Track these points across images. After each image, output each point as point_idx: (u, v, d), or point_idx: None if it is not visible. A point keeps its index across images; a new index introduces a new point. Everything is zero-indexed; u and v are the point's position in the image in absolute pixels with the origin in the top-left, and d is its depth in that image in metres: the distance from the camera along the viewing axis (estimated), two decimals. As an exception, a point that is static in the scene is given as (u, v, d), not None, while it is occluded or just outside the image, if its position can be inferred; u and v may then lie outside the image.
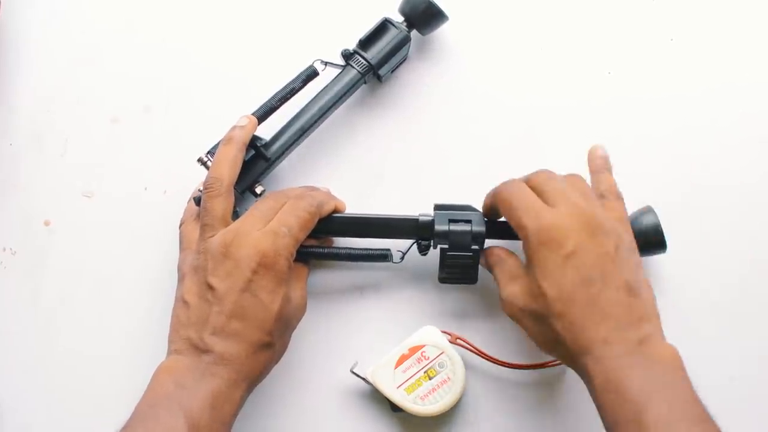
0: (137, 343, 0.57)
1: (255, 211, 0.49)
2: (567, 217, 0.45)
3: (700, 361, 0.55)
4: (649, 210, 0.54)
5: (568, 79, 0.60)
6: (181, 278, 0.49)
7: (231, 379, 0.45)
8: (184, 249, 0.51)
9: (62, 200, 0.59)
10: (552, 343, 0.46)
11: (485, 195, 0.52)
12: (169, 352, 0.47)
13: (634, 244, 0.48)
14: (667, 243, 0.53)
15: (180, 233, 0.53)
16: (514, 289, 0.47)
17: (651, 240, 0.53)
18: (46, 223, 0.59)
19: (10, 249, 0.58)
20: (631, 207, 0.58)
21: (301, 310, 0.50)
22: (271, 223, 0.48)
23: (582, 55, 0.60)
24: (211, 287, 0.46)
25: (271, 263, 0.46)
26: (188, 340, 0.46)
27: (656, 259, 0.56)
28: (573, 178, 0.50)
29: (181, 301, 0.48)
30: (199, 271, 0.48)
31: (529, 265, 0.46)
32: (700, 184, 0.59)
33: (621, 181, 0.56)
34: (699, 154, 0.59)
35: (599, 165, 0.52)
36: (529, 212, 0.46)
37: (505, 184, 0.50)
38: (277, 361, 0.49)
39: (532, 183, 0.49)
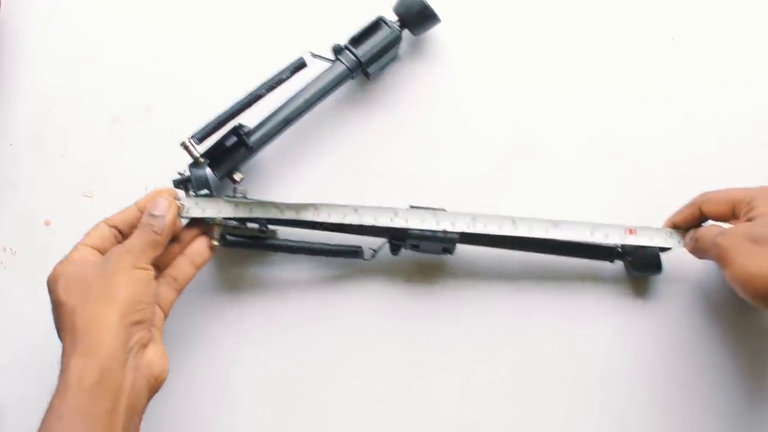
0: (176, 364, 0.56)
1: None
2: None
3: (681, 367, 0.56)
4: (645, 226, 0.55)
5: (569, 79, 0.60)
6: None
7: None
8: None
9: (63, 200, 0.59)
10: None
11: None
12: None
13: None
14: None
15: None
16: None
17: (650, 262, 0.55)
18: (47, 223, 0.59)
19: (11, 249, 0.58)
20: (632, 208, 0.58)
21: None
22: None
23: (582, 55, 0.60)
24: None
25: None
26: None
27: (687, 286, 0.58)
28: None
29: None
30: None
31: None
32: (700, 184, 0.58)
33: (621, 181, 0.56)
34: (700, 154, 0.59)
35: None
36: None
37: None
38: None
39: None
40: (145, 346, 0.46)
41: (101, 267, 0.47)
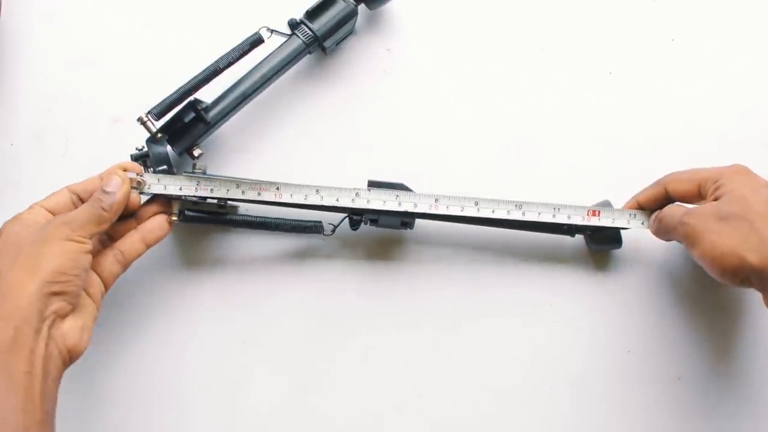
0: (136, 340, 0.57)
1: None
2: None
3: (639, 340, 0.57)
4: (607, 204, 0.56)
5: (569, 78, 0.60)
6: None
7: None
8: None
9: (63, 200, 0.59)
10: None
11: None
12: None
13: None
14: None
15: None
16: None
17: (610, 236, 0.56)
18: (47, 223, 0.59)
19: (11, 249, 0.58)
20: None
21: None
22: None
23: (583, 55, 0.60)
24: None
25: None
26: None
27: (646, 260, 0.58)
28: None
29: None
30: None
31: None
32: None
33: (621, 182, 0.56)
34: (700, 154, 0.59)
35: None
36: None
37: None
38: None
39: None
40: (63, 317, 0.46)
41: (36, 233, 0.47)
